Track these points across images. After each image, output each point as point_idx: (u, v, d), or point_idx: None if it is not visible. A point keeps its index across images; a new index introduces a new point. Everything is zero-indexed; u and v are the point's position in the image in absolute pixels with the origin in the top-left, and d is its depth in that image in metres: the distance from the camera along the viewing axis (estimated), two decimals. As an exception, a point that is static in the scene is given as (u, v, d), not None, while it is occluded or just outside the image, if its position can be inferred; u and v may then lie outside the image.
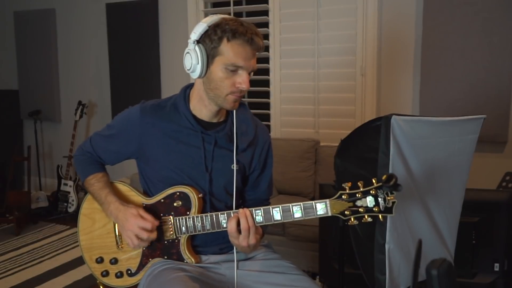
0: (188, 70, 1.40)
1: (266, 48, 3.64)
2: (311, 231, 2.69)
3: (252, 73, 1.41)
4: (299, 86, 3.57)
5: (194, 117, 1.47)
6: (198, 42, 1.36)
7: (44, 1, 4.59)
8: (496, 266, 1.98)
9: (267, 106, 3.72)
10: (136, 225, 1.41)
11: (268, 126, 3.68)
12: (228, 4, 3.71)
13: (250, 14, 3.73)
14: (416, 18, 3.13)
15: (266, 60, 3.65)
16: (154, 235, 1.43)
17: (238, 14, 3.75)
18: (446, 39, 3.01)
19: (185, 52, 1.39)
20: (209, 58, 1.36)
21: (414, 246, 1.20)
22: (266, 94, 3.69)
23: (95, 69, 4.46)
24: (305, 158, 3.27)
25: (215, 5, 3.85)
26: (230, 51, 1.34)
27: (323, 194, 2.24)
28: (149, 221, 1.42)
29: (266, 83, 3.67)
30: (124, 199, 1.52)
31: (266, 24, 3.61)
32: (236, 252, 1.50)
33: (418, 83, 3.16)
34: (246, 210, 1.38)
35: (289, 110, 3.63)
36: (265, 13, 3.60)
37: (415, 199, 1.53)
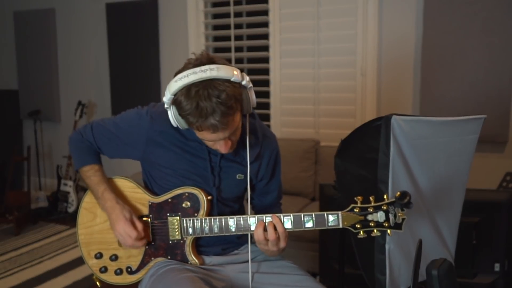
0: None
1: (266, 48, 3.64)
2: (311, 231, 2.66)
3: (235, 131, 1.33)
4: (299, 86, 3.56)
5: None
6: (170, 106, 1.31)
7: (44, 1, 4.58)
8: (497, 266, 1.98)
9: (267, 106, 3.71)
10: (123, 230, 1.42)
11: (268, 126, 3.67)
12: (228, 4, 3.71)
13: (250, 14, 3.73)
14: (417, 18, 3.13)
15: (266, 60, 3.65)
16: (138, 244, 1.45)
17: (238, 14, 3.75)
18: (446, 39, 3.01)
19: None
20: (188, 124, 1.31)
21: (415, 246, 1.20)
22: (266, 94, 3.69)
23: (95, 69, 4.46)
24: (305, 158, 3.27)
25: (215, 5, 3.85)
26: (195, 130, 1.31)
27: (323, 194, 2.23)
28: (137, 231, 1.43)
29: (266, 83, 3.67)
30: (129, 196, 1.52)
31: (266, 24, 3.61)
32: (233, 254, 1.51)
33: (418, 83, 3.16)
34: (275, 219, 1.36)
35: (289, 110, 3.63)
36: (265, 13, 3.59)
37: (416, 199, 1.52)
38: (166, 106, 1.32)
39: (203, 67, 1.23)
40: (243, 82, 1.29)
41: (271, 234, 1.34)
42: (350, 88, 3.37)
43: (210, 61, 1.27)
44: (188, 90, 1.23)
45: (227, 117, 1.24)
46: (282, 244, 1.37)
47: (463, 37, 2.97)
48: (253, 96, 1.34)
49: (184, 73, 1.24)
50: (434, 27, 3.04)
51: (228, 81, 1.25)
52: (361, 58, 3.30)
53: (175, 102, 1.27)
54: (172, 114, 1.32)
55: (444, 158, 1.55)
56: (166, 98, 1.29)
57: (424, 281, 1.22)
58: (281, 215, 1.38)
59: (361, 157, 1.65)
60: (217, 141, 1.32)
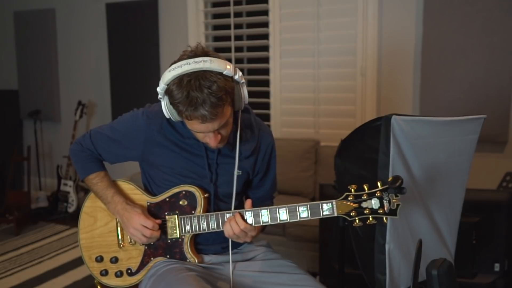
0: None
1: (266, 48, 3.64)
2: (312, 232, 2.68)
3: (225, 125, 1.35)
4: (299, 86, 3.56)
5: None
6: (164, 96, 1.33)
7: (44, 1, 4.58)
8: (497, 266, 1.98)
9: (267, 106, 3.71)
10: (139, 223, 1.44)
11: (268, 126, 3.67)
12: (228, 4, 3.71)
13: (250, 14, 3.73)
14: (416, 18, 3.13)
15: (266, 60, 3.65)
16: (156, 234, 1.46)
17: (238, 14, 3.75)
18: (446, 39, 3.01)
19: None
20: (178, 113, 1.34)
21: (415, 246, 1.20)
22: (266, 94, 3.69)
23: (95, 69, 4.46)
24: (305, 158, 3.27)
25: (215, 5, 3.85)
26: (185, 120, 1.33)
27: (323, 194, 2.24)
28: (151, 220, 1.45)
29: (266, 83, 3.67)
30: (128, 198, 1.53)
31: (266, 24, 3.60)
32: (233, 254, 1.51)
33: (418, 83, 3.16)
34: (237, 215, 1.40)
35: (289, 110, 3.63)
36: (265, 13, 3.59)
37: (416, 199, 1.53)
38: (159, 96, 1.35)
39: (196, 59, 1.27)
40: (236, 77, 1.32)
41: (235, 228, 1.38)
42: (350, 88, 3.37)
43: (205, 54, 1.30)
44: (180, 79, 1.26)
45: (217, 108, 1.26)
46: (251, 234, 1.42)
47: (463, 37, 2.97)
48: (245, 91, 1.37)
49: (178, 63, 1.27)
50: (434, 27, 3.04)
51: (221, 74, 1.27)
52: (361, 58, 3.30)
53: (168, 91, 1.30)
54: (164, 104, 1.34)
55: (444, 158, 1.55)
56: (160, 88, 1.32)
57: (424, 281, 1.22)
58: (276, 207, 1.39)
59: (361, 157, 1.65)
60: (206, 134, 1.34)
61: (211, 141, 1.35)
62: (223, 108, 1.29)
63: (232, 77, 1.31)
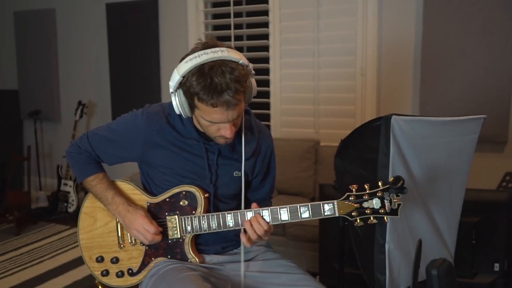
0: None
1: (266, 48, 3.64)
2: (311, 231, 2.68)
3: (240, 116, 1.36)
4: (299, 86, 3.57)
5: (197, 129, 1.46)
6: (176, 90, 1.33)
7: (44, 1, 4.59)
8: (496, 266, 1.98)
9: (267, 106, 3.72)
10: (142, 226, 1.44)
11: (268, 126, 3.68)
12: (228, 4, 3.71)
13: (250, 14, 3.73)
14: (416, 18, 3.14)
15: (266, 60, 3.65)
16: (158, 238, 1.46)
17: (238, 14, 3.75)
18: (446, 39, 3.01)
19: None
20: (190, 106, 1.33)
21: (414, 246, 1.21)
22: (266, 94, 3.69)
23: (95, 69, 4.46)
24: (305, 158, 3.27)
25: (215, 5, 3.85)
26: (203, 109, 1.30)
27: (323, 194, 2.24)
28: (154, 226, 1.45)
29: (266, 83, 3.67)
30: (127, 198, 1.52)
31: (266, 24, 3.61)
32: (233, 254, 1.52)
33: (418, 83, 3.16)
34: (257, 216, 1.38)
35: (289, 110, 3.63)
36: (265, 13, 3.60)
37: (415, 199, 1.53)
38: (171, 90, 1.33)
39: (213, 49, 1.28)
40: (248, 67, 1.34)
41: (259, 229, 1.38)
42: (350, 88, 3.37)
43: (217, 45, 1.31)
44: (200, 69, 1.25)
45: (240, 94, 1.28)
46: (271, 230, 1.41)
47: (463, 37, 2.97)
48: (255, 83, 1.39)
49: (195, 54, 1.27)
50: (434, 27, 3.04)
51: (237, 63, 1.29)
52: (361, 58, 3.30)
53: (185, 83, 1.29)
54: (177, 99, 1.33)
55: (444, 158, 1.56)
56: (173, 81, 1.31)
57: (424, 280, 1.22)
58: (277, 207, 1.39)
59: (361, 157, 1.65)
60: (222, 126, 1.33)
61: (227, 132, 1.34)
62: (243, 95, 1.31)
63: (246, 66, 1.32)
